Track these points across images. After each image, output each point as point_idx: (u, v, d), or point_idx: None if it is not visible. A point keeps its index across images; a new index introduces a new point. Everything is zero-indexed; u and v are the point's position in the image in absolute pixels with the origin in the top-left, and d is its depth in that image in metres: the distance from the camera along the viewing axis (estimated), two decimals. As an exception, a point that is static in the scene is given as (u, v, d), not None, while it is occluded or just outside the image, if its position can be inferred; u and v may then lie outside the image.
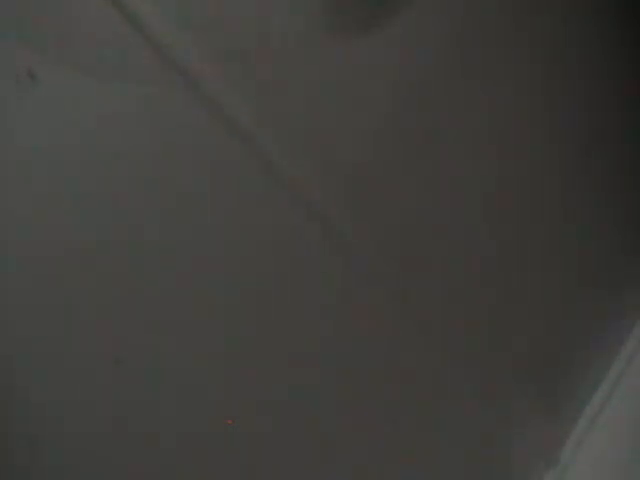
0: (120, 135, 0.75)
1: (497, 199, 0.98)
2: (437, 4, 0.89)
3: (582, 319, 1.09)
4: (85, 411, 0.74)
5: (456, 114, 0.93)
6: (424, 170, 0.92)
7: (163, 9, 0.74)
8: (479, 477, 0.99)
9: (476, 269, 0.97)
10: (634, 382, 1.08)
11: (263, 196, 0.82)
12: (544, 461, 1.03)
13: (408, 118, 0.90)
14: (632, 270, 1.17)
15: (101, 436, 0.75)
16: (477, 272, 0.97)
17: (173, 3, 0.75)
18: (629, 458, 1.02)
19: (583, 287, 1.09)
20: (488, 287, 0.99)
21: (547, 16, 0.97)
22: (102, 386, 0.75)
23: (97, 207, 0.75)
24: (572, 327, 1.08)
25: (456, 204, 0.95)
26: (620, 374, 1.09)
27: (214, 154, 0.79)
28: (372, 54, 0.87)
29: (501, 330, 1.00)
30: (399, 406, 0.92)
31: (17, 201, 0.72)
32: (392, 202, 0.89)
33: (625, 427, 1.04)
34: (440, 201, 0.93)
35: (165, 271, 0.78)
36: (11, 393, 0.72)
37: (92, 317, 0.75)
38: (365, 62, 0.86)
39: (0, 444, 0.71)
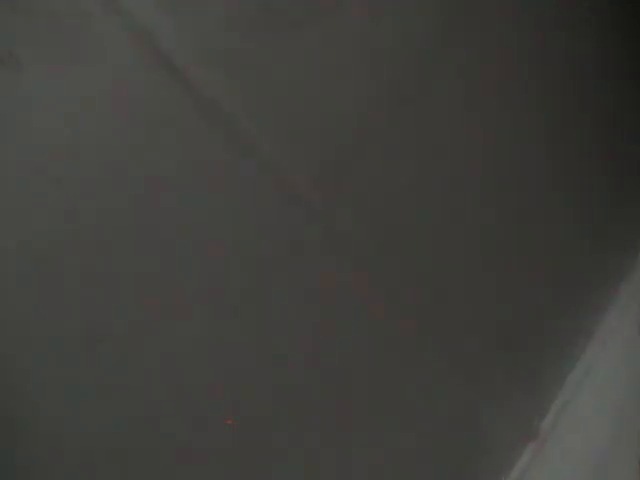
0: (101, 118, 0.74)
1: (483, 174, 0.98)
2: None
3: (563, 289, 1.10)
4: (70, 395, 0.74)
5: (442, 100, 0.92)
6: (408, 153, 0.91)
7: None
8: (459, 450, 1.00)
9: (458, 242, 0.98)
10: (614, 354, 1.09)
11: (245, 180, 0.81)
12: (524, 434, 1.04)
13: (393, 100, 0.89)
14: (613, 238, 1.17)
15: (87, 418, 0.75)
16: (460, 245, 0.98)
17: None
18: (609, 430, 1.03)
19: (564, 255, 1.10)
20: (468, 258, 0.99)
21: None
22: (86, 367, 0.75)
23: (78, 190, 0.74)
24: (553, 298, 1.09)
25: (442, 186, 0.95)
26: (600, 347, 1.10)
27: (197, 139, 0.79)
28: (355, 33, 0.85)
29: (482, 301, 1.01)
30: (381, 381, 0.93)
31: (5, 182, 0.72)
32: (377, 185, 0.89)
33: (605, 400, 1.06)
34: (425, 185, 0.93)
35: (149, 253, 0.78)
36: None
37: (76, 296, 0.74)
38: (348, 43, 0.85)
39: None
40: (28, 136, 0.72)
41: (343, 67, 0.86)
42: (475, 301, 1.00)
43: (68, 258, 0.74)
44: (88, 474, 0.74)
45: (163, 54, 0.75)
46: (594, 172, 1.13)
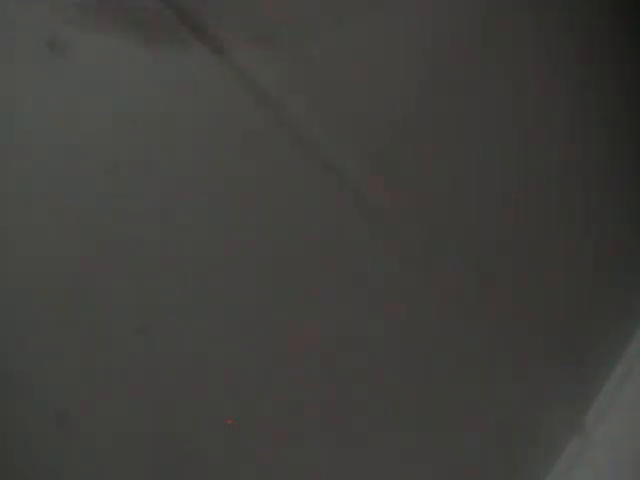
0: (146, 101, 0.76)
1: (535, 168, 0.97)
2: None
3: (611, 282, 1.07)
4: (108, 380, 0.75)
5: (481, 90, 0.91)
6: (453, 141, 0.91)
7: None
8: (498, 444, 0.98)
9: (506, 237, 0.97)
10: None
11: (292, 165, 0.82)
12: (569, 427, 1.02)
13: (439, 91, 0.89)
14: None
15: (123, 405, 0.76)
16: (507, 239, 0.97)
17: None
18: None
19: (612, 253, 1.07)
20: (515, 253, 0.98)
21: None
22: (125, 355, 0.75)
23: (130, 177, 0.75)
24: (601, 291, 1.06)
25: (493, 178, 0.94)
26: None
27: (244, 123, 0.79)
28: (401, 23, 0.85)
29: (528, 296, 0.99)
30: (427, 379, 0.93)
31: (45, 169, 0.73)
32: (426, 176, 0.89)
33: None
34: (475, 177, 0.92)
35: (192, 242, 0.79)
36: (36, 363, 0.73)
37: (115, 287, 0.75)
38: (396, 31, 0.85)
39: (26, 412, 0.72)
40: (76, 120, 0.73)
41: (390, 58, 0.86)
42: (523, 293, 0.99)
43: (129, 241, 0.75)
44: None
45: (214, 40, 0.76)
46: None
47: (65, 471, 0.73)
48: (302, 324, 0.83)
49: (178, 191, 0.77)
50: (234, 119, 0.79)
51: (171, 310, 0.77)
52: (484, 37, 0.89)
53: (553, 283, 1.01)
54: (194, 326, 0.78)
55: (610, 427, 1.02)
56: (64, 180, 0.73)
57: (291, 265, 0.82)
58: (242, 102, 0.78)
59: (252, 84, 0.78)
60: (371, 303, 0.87)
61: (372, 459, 0.88)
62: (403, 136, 0.87)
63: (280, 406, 0.81)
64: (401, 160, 0.88)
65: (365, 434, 0.87)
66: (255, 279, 0.80)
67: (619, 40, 0.97)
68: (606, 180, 1.04)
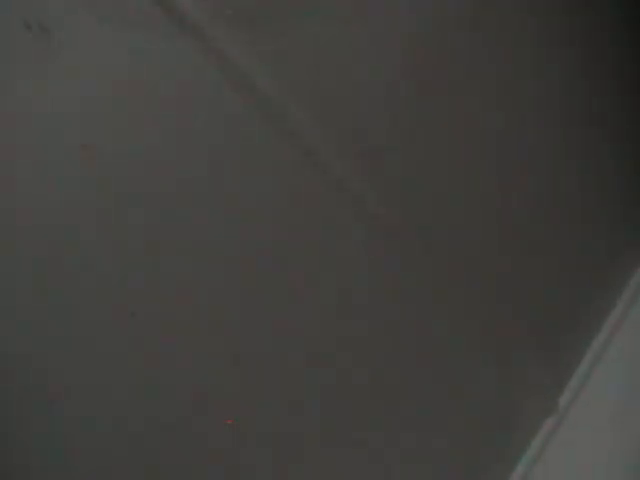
0: (131, 88, 0.73)
1: (519, 158, 0.98)
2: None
3: (582, 268, 1.09)
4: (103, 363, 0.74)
5: (472, 76, 0.91)
6: (442, 133, 0.90)
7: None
8: (479, 425, 1.01)
9: (487, 225, 0.98)
10: (633, 330, 1.09)
11: (280, 162, 0.81)
12: (543, 408, 1.05)
13: (425, 80, 0.88)
14: (631, 215, 1.16)
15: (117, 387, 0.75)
16: (483, 226, 0.98)
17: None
18: (626, 405, 1.04)
19: (583, 231, 1.09)
20: (488, 237, 0.99)
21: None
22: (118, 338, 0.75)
23: (109, 160, 0.73)
24: (573, 277, 1.08)
25: (476, 171, 0.94)
26: (617, 322, 1.10)
27: (229, 117, 0.78)
28: (387, 16, 0.84)
29: (501, 278, 1.01)
30: (403, 362, 0.94)
31: (32, 156, 0.71)
32: (411, 167, 0.89)
33: (622, 375, 1.06)
34: (459, 170, 0.93)
35: (183, 234, 0.78)
36: (29, 348, 0.71)
37: (108, 272, 0.74)
38: (380, 24, 0.84)
39: (17, 397, 0.71)
40: (56, 104, 0.71)
41: (375, 50, 0.85)
42: (493, 278, 1.00)
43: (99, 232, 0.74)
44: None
45: (194, 22, 0.74)
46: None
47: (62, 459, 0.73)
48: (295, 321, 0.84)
49: (165, 179, 0.76)
50: (217, 106, 0.77)
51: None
52: (478, 34, 0.89)
53: (531, 271, 1.03)
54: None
55: (583, 407, 1.05)
56: (48, 170, 0.71)
57: (287, 262, 0.82)
58: (224, 89, 0.77)
59: (235, 70, 0.76)
60: (361, 300, 0.88)
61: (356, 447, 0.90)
62: (392, 133, 0.87)
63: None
64: (387, 155, 0.88)
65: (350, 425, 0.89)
66: (248, 271, 0.80)
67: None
68: (598, 180, 1.05)
